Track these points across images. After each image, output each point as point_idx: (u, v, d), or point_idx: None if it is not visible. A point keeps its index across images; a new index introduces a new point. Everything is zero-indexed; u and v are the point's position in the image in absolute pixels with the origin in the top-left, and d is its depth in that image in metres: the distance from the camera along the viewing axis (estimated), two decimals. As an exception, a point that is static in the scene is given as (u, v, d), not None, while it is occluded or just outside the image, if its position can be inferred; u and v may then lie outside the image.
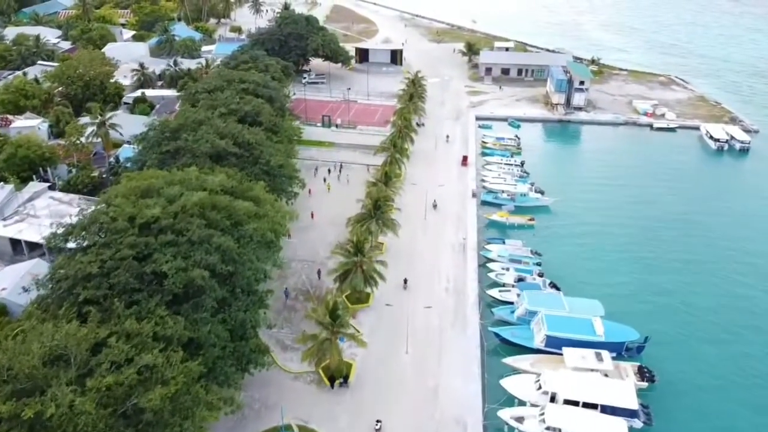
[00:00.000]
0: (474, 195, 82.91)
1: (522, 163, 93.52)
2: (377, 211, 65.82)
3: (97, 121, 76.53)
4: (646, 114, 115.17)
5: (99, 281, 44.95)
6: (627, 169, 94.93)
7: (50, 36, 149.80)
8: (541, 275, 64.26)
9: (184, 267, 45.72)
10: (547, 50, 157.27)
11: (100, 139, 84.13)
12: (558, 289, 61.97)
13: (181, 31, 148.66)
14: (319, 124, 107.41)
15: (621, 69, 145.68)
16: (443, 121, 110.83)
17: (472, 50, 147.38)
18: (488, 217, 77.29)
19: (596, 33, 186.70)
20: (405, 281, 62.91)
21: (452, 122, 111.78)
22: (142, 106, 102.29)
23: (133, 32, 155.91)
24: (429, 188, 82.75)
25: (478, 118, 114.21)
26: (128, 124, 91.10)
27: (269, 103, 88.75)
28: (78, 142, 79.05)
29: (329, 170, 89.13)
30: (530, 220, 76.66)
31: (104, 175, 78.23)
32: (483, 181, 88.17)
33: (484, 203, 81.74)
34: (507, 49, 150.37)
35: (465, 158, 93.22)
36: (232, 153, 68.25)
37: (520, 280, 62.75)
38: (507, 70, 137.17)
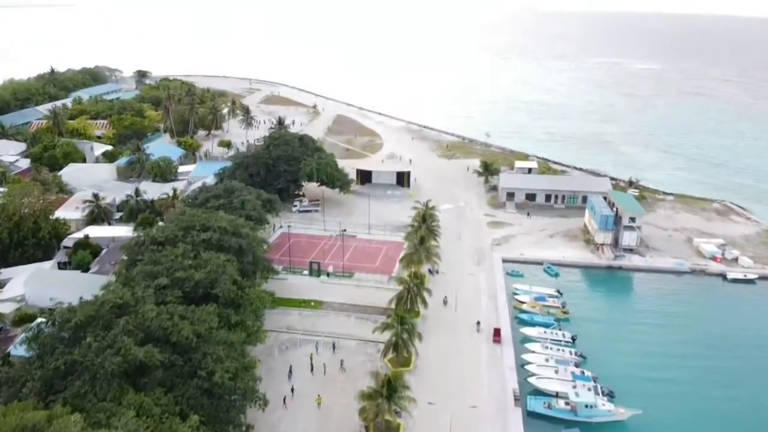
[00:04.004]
0: (516, 399, 58.29)
1: (573, 340, 69.74)
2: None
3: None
4: (713, 258, 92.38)
5: None
6: (713, 347, 70.28)
7: (12, 151, 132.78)
8: None
9: None
10: (575, 168, 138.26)
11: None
12: None
13: (158, 148, 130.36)
14: (305, 272, 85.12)
15: (665, 193, 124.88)
16: (464, 274, 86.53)
17: (489, 170, 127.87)
18: (543, 450, 52.43)
19: (625, 147, 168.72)
20: None
21: (474, 267, 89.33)
22: (82, 253, 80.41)
23: (105, 148, 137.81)
24: (453, 410, 57.76)
25: (505, 261, 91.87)
26: (53, 286, 69.50)
27: (238, 256, 67.55)
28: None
29: (311, 356, 65.02)
30: (604, 452, 51.78)
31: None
32: (524, 367, 64.25)
33: (532, 415, 56.99)
34: (530, 170, 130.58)
35: (497, 332, 69.41)
36: (157, 364, 45.37)
37: None
38: (533, 195, 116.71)
